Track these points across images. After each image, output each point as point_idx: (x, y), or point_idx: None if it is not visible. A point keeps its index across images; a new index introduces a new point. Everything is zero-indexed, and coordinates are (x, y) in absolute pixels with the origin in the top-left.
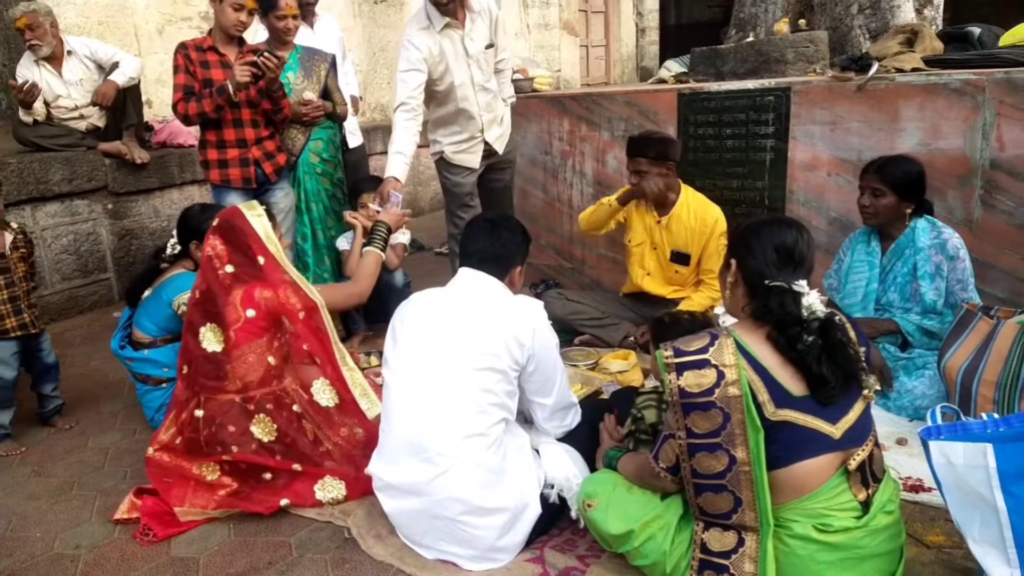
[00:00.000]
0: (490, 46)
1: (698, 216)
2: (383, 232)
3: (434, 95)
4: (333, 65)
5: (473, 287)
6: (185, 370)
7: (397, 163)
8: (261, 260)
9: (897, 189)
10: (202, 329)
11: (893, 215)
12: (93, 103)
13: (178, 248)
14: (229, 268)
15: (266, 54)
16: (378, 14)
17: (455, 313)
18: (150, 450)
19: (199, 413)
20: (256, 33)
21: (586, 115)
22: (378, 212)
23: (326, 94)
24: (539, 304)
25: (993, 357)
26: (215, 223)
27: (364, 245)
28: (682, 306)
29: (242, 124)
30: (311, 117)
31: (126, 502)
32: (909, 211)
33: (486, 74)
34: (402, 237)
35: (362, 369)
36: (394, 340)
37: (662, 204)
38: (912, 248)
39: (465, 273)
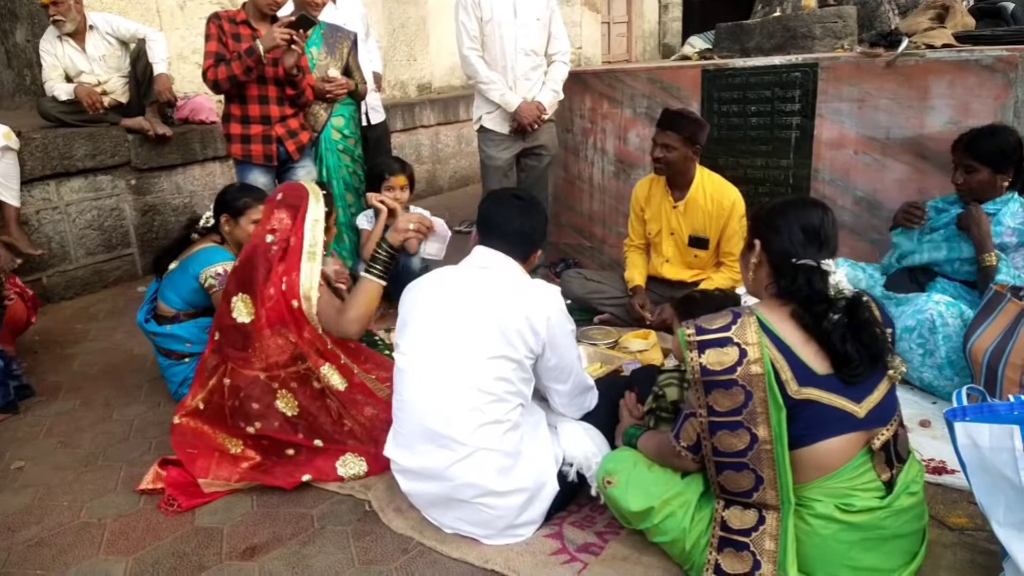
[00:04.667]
0: (538, 19)
1: (714, 199)
2: (385, 255)
3: None
4: (355, 44)
5: (490, 270)
6: (217, 336)
7: (510, 94)
8: (292, 241)
9: (991, 163)
10: (234, 299)
11: (989, 190)
12: (160, 102)
13: (212, 221)
14: (272, 239)
15: (302, 32)
16: None
17: (469, 298)
18: (176, 418)
19: (227, 381)
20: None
21: (608, 92)
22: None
23: (347, 72)
24: (556, 290)
25: (1021, 340)
26: (281, 196)
27: (365, 271)
28: (702, 287)
29: (268, 101)
30: (334, 94)
31: (151, 473)
32: (1006, 183)
33: (533, 41)
34: (431, 250)
35: (379, 344)
36: (405, 324)
37: (678, 186)
38: (993, 221)
39: (483, 253)
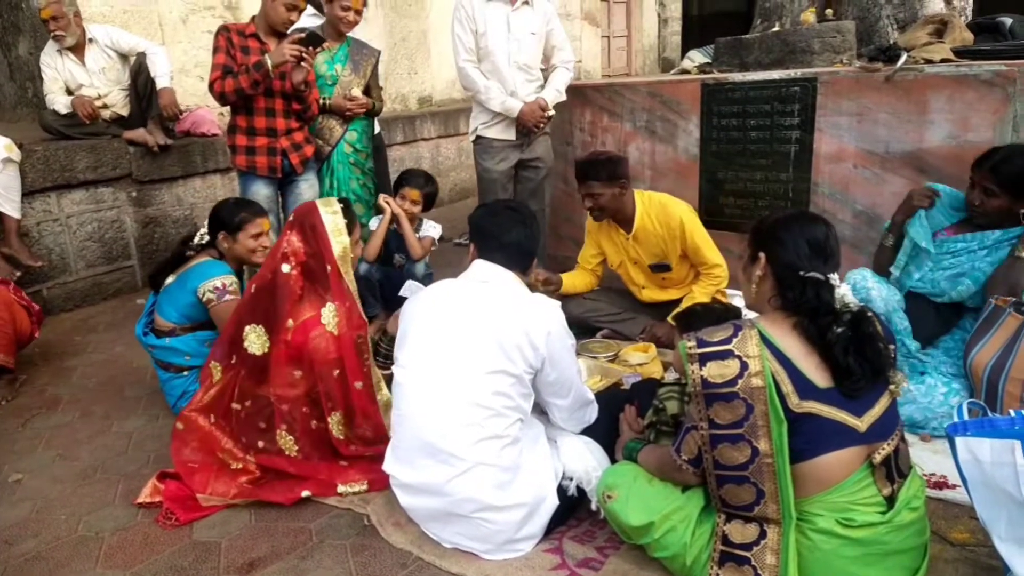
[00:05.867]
0: (533, 34)
1: (662, 222)
2: (385, 348)
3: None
4: (378, 61)
5: (490, 284)
6: (233, 359)
7: (510, 100)
8: (328, 268)
9: (1012, 191)
10: (247, 328)
11: (1003, 217)
12: (167, 116)
13: (207, 238)
14: (298, 271)
15: (311, 49)
16: (400, 4)
17: (468, 312)
18: (184, 414)
19: (235, 406)
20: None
21: (608, 106)
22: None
23: (368, 89)
24: (556, 305)
25: (1021, 354)
26: (292, 218)
27: (380, 365)
28: (685, 302)
29: (274, 114)
30: (354, 112)
31: (149, 486)
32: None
33: (527, 55)
34: (433, 231)
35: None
36: (405, 337)
37: (623, 220)
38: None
39: (482, 267)
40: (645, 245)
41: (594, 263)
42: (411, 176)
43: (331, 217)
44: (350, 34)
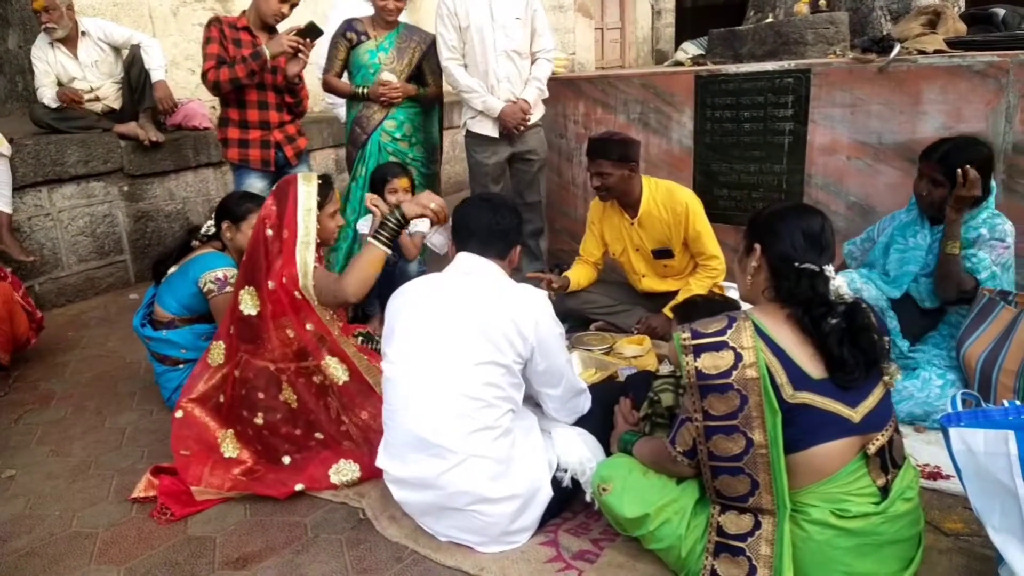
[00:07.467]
0: (518, 18)
1: (667, 207)
2: (393, 224)
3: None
4: (432, 47)
5: (473, 276)
6: (232, 330)
7: (491, 99)
8: (286, 234)
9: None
10: (242, 291)
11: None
12: (162, 110)
13: (213, 229)
14: (271, 232)
15: (308, 41)
16: None
17: (454, 304)
18: (181, 406)
19: (237, 373)
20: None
21: (602, 98)
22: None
23: (420, 74)
24: (542, 294)
25: (1014, 346)
26: (275, 186)
27: (372, 236)
28: (681, 294)
29: (267, 107)
30: (388, 98)
31: (143, 481)
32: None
33: (513, 42)
34: (422, 227)
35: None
36: (391, 332)
37: (629, 204)
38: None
39: (465, 259)
40: (649, 231)
41: (597, 255)
42: (388, 169)
43: (306, 189)
44: (405, 20)
